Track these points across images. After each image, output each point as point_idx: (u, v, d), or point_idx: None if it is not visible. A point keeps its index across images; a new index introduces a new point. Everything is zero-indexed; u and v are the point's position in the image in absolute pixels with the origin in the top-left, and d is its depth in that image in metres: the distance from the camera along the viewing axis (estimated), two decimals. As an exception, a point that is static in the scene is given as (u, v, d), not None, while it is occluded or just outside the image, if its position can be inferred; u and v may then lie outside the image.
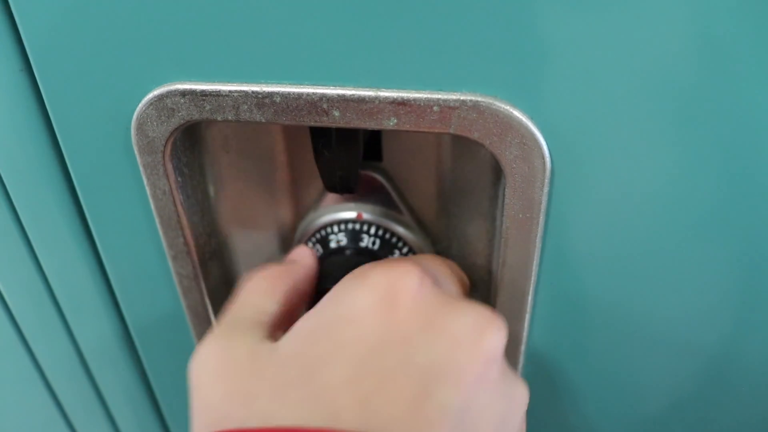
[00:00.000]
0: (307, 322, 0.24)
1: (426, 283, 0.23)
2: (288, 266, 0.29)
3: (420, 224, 0.32)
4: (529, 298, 0.28)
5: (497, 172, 0.28)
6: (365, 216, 0.32)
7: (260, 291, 0.27)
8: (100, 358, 0.39)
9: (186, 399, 0.40)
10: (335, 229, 0.32)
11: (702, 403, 0.32)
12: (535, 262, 0.27)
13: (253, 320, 0.25)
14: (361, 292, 0.23)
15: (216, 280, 0.33)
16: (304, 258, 0.30)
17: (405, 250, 0.32)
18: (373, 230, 0.31)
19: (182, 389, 0.40)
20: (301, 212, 0.34)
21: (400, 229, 0.32)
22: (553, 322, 0.29)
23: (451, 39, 0.22)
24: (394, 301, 0.22)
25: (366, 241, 0.32)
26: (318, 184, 0.33)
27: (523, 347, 0.30)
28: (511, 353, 0.30)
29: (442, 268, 0.27)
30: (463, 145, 0.29)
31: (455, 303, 0.23)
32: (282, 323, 0.26)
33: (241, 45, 0.24)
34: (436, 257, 0.29)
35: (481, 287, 0.33)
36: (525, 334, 0.30)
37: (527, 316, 0.29)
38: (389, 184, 0.31)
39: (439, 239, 0.33)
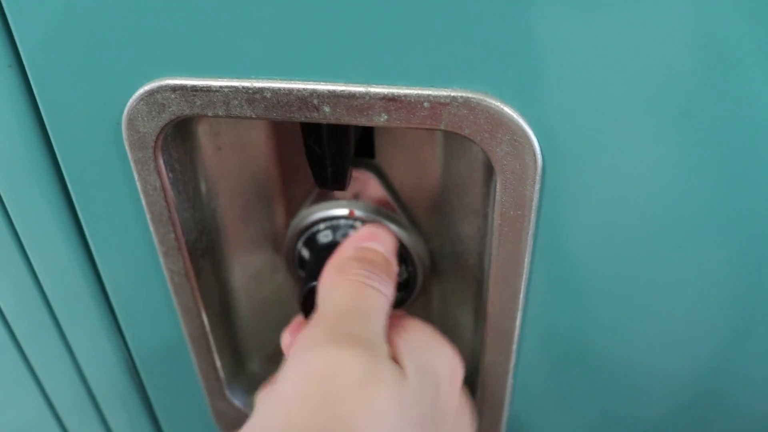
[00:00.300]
0: (413, 353, 0.27)
1: None
2: (390, 275, 0.29)
3: (412, 222, 0.32)
4: (521, 295, 0.28)
5: (489, 170, 0.28)
6: (357, 213, 0.31)
7: (381, 306, 0.27)
8: (90, 354, 0.38)
9: (177, 395, 0.40)
10: (327, 225, 0.32)
11: (701, 405, 0.32)
12: (526, 259, 0.27)
13: (382, 337, 0.26)
14: (443, 361, 0.28)
15: (207, 277, 0.33)
16: (391, 256, 0.30)
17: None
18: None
19: (174, 386, 0.40)
20: (293, 209, 0.34)
21: (392, 227, 0.31)
22: (545, 319, 0.29)
23: (442, 35, 0.22)
24: (456, 382, 0.29)
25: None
26: (310, 180, 0.33)
27: (515, 345, 0.30)
28: (502, 351, 0.30)
29: None
30: (455, 142, 0.29)
31: (466, 394, 0.32)
32: None
33: (231, 40, 0.23)
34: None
35: (472, 285, 0.33)
36: (517, 332, 0.29)
37: (519, 314, 0.29)
38: (382, 181, 0.31)
39: (431, 237, 0.33)
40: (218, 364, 0.35)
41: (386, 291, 0.28)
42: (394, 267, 0.30)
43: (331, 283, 0.28)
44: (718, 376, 0.30)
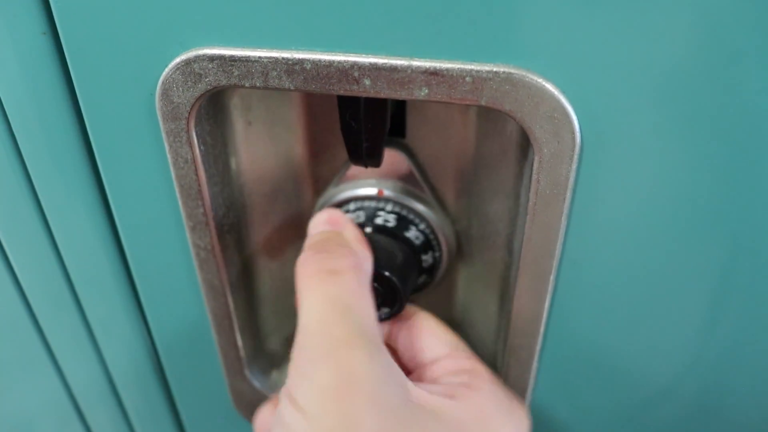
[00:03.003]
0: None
1: None
2: (345, 244, 0.28)
3: (440, 202, 0.32)
4: (552, 277, 0.28)
5: (522, 149, 0.28)
6: (386, 193, 0.31)
7: (349, 287, 0.26)
8: (111, 333, 0.38)
9: (196, 374, 0.40)
10: (355, 205, 0.31)
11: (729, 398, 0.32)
12: (559, 240, 0.27)
13: (373, 319, 0.26)
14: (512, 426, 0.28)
15: (232, 254, 0.32)
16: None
17: (422, 226, 0.31)
18: (393, 207, 0.31)
19: (194, 365, 0.39)
20: (320, 188, 0.33)
21: (420, 207, 0.31)
22: (575, 302, 0.29)
23: (485, 9, 0.22)
24: None
25: (385, 219, 0.31)
26: (339, 159, 0.32)
27: (542, 328, 0.30)
28: (529, 334, 0.30)
29: None
30: (488, 121, 0.29)
31: None
32: None
33: (272, 10, 0.23)
34: None
35: (499, 267, 0.33)
36: (545, 315, 0.29)
37: (548, 297, 0.29)
38: (411, 161, 0.31)
39: (458, 218, 0.33)
40: (240, 342, 0.35)
41: (347, 262, 0.27)
42: (349, 232, 0.29)
43: (300, 290, 0.27)
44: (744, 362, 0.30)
